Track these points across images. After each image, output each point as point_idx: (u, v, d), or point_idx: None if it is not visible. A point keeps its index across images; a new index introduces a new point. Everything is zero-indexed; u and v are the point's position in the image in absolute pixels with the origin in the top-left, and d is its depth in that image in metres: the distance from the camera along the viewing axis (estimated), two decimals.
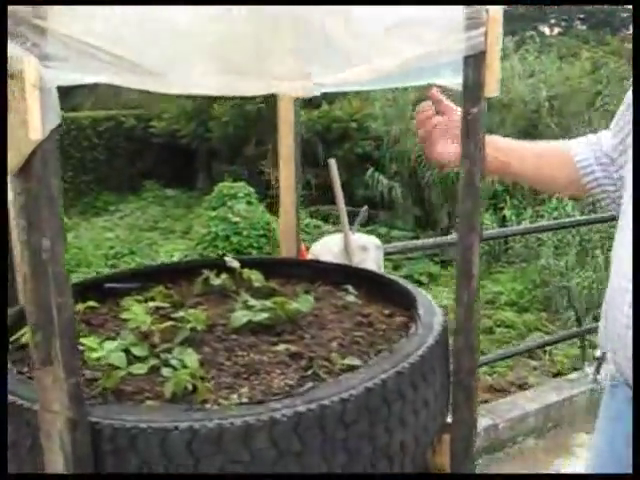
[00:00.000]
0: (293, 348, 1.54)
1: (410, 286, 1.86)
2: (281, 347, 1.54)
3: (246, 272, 2.03)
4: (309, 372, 1.42)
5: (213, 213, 10.04)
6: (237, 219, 9.83)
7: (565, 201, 10.25)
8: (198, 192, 15.17)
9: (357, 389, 1.28)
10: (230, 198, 10.38)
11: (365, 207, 3.33)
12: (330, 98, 13.21)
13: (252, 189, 10.69)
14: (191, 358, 1.39)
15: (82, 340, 1.36)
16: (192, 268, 2.15)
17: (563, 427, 4.34)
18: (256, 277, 1.99)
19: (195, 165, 16.56)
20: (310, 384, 1.34)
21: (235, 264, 2.06)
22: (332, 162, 2.69)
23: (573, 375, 4.96)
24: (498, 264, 10.60)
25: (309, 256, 2.55)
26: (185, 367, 1.36)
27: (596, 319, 8.53)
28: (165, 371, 1.40)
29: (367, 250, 2.66)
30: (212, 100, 14.40)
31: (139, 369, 1.34)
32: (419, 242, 5.49)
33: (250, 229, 9.82)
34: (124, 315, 1.59)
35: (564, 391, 4.52)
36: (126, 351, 1.43)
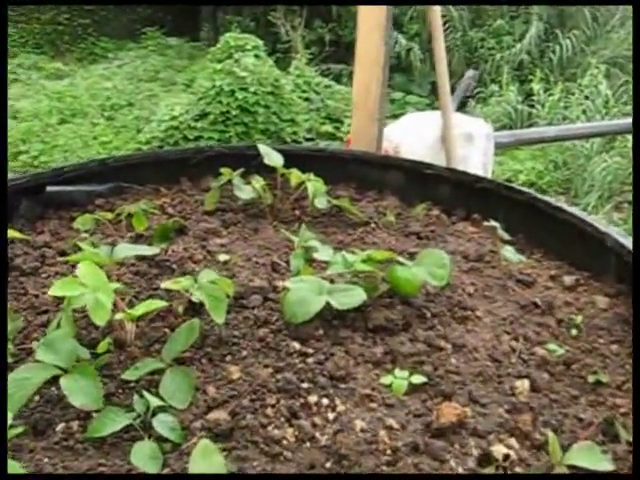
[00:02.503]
0: (432, 393, 0.68)
1: (614, 232, 0.98)
2: (400, 380, 0.68)
3: (294, 175, 1.15)
4: None
5: (218, 66, 9.36)
6: (244, 73, 9.18)
7: (599, 78, 9.34)
8: (202, 43, 14.33)
9: None
10: (237, 50, 9.74)
11: (472, 72, 2.36)
12: None
13: (260, 42, 10.04)
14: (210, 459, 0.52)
15: None
16: (201, 160, 1.28)
17: None
18: (317, 188, 1.12)
19: (200, 14, 15.36)
20: None
21: (276, 159, 1.18)
22: (435, 7, 1.74)
23: None
24: None
25: (385, 145, 1.64)
26: None
27: (618, 208, 7.81)
28: (138, 454, 0.56)
29: (472, 140, 1.75)
30: None
31: None
32: (538, 130, 4.00)
33: (258, 85, 9.21)
34: (56, 290, 0.72)
35: None
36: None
